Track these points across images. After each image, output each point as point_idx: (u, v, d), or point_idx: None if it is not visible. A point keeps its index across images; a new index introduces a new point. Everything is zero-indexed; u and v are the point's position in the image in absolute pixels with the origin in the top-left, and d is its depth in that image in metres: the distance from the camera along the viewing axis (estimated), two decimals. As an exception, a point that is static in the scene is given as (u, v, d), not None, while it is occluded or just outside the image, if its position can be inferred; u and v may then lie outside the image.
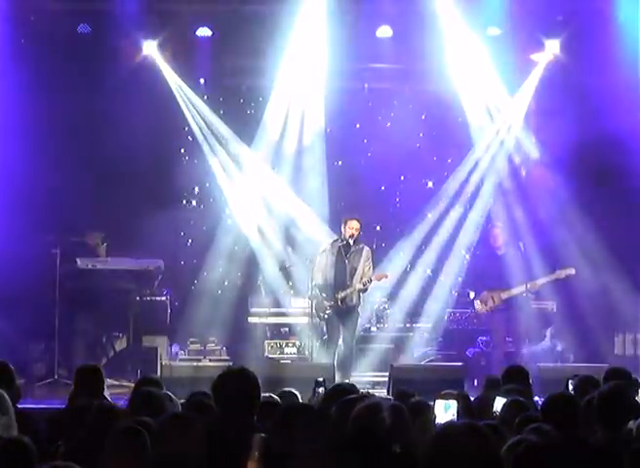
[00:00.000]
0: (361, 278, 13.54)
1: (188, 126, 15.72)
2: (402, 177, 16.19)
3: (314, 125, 15.67)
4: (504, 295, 14.06)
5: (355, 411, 5.48)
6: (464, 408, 6.78)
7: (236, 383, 5.88)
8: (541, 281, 14.23)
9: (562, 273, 14.29)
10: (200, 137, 15.65)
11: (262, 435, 4.81)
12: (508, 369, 8.68)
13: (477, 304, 14.24)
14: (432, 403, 6.32)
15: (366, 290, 13.69)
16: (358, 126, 16.08)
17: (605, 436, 6.10)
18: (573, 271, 14.31)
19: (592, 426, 6.32)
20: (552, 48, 15.31)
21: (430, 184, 16.26)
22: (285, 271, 15.05)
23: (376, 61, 15.46)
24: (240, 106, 15.86)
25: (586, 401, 6.60)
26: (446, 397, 5.48)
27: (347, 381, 11.92)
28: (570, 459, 4.88)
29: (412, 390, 7.69)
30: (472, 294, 14.34)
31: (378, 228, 16.09)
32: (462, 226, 15.75)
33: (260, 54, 14.96)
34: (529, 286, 14.07)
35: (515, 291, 14.04)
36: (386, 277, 14.18)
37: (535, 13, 14.87)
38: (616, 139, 14.56)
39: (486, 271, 14.20)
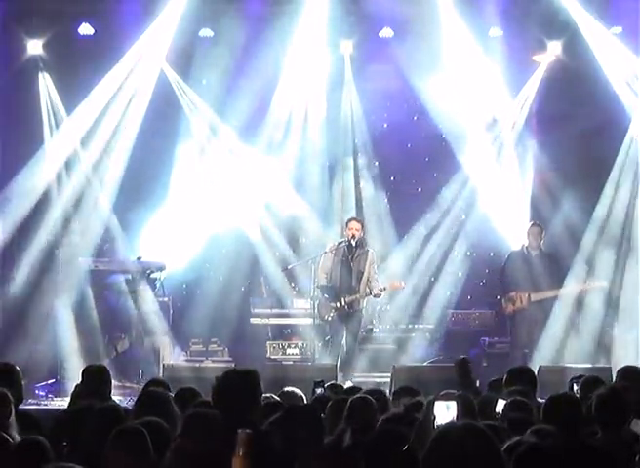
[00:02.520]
0: (369, 282, 13.55)
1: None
2: (392, 178, 16.19)
3: (315, 125, 15.70)
4: (534, 297, 14.02)
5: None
6: (467, 408, 6.78)
7: (238, 383, 5.90)
8: (572, 289, 14.20)
9: (593, 284, 14.29)
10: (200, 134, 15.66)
11: (247, 431, 4.82)
12: (512, 370, 8.68)
13: (504, 303, 14.21)
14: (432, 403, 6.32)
15: (380, 295, 13.76)
16: (360, 125, 16.07)
17: (604, 437, 6.10)
18: (605, 284, 14.30)
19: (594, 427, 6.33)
20: (554, 49, 15.33)
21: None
22: (287, 272, 15.05)
23: (377, 62, 15.45)
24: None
25: (589, 402, 6.60)
26: (446, 398, 5.47)
27: (350, 382, 11.95)
28: (570, 460, 4.88)
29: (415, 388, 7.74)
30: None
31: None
32: (463, 228, 15.76)
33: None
34: (559, 292, 14.05)
35: (546, 294, 14.01)
36: (402, 287, 14.24)
37: (536, 13, 14.88)
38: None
39: (517, 271, 14.15)
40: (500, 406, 6.89)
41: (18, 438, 6.02)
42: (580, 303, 14.54)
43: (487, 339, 14.91)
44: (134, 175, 15.13)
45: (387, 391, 11.63)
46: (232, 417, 5.64)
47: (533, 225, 14.45)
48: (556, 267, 14.27)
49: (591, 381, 7.87)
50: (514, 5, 14.88)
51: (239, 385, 5.87)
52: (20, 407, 6.87)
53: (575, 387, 8.13)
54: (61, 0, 14.83)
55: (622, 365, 9.23)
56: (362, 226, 13.76)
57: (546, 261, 14.20)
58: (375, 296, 13.73)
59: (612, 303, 14.70)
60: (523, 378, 8.20)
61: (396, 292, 14.86)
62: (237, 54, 14.92)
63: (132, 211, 15.16)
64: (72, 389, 8.20)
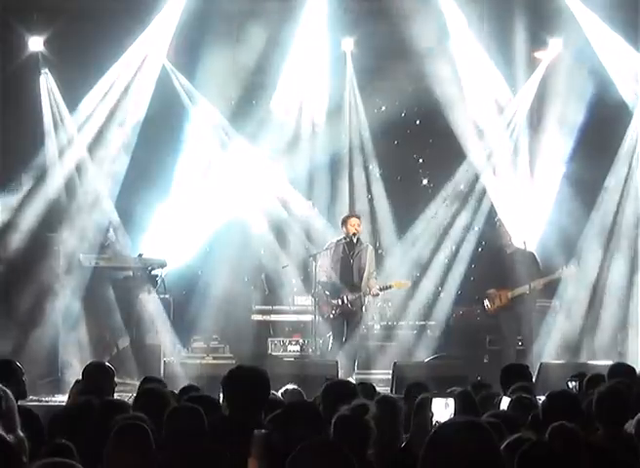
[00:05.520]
0: (368, 279, 13.54)
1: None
2: (393, 175, 16.17)
3: (315, 123, 15.70)
4: (511, 294, 14.05)
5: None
6: (468, 405, 6.78)
7: (248, 381, 5.89)
8: (545, 280, 14.23)
9: (565, 272, 14.31)
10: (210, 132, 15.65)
11: (263, 431, 4.81)
12: (505, 368, 8.63)
13: (485, 302, 14.24)
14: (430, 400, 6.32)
15: (378, 295, 13.76)
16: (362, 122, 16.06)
17: (605, 435, 6.09)
18: (574, 271, 14.33)
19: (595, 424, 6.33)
20: (555, 46, 15.32)
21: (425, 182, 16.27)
22: (288, 269, 15.05)
23: (376, 58, 15.44)
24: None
25: (590, 399, 6.60)
26: (444, 395, 5.47)
27: (351, 379, 11.95)
28: (572, 458, 4.88)
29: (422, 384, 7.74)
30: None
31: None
32: (468, 226, 15.77)
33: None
34: (533, 285, 14.07)
35: (521, 289, 14.04)
36: (408, 285, 14.26)
37: (538, 10, 14.88)
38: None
39: (494, 269, 14.18)
40: (505, 403, 6.89)
41: (21, 435, 6.04)
42: (590, 300, 14.59)
43: (488, 336, 14.91)
44: (136, 171, 15.12)
45: (389, 388, 11.74)
46: (240, 415, 5.64)
47: (502, 225, 14.57)
48: (531, 263, 14.26)
49: (594, 378, 7.86)
50: (516, 1, 14.87)
51: (253, 384, 5.86)
52: (21, 403, 6.86)
53: (571, 384, 8.10)
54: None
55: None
56: (360, 222, 13.76)
57: (520, 258, 14.20)
58: (373, 296, 13.72)
59: (623, 301, 14.73)
60: (520, 374, 8.20)
61: (398, 290, 14.87)
62: (238, 51, 14.94)
63: (133, 207, 15.16)
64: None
